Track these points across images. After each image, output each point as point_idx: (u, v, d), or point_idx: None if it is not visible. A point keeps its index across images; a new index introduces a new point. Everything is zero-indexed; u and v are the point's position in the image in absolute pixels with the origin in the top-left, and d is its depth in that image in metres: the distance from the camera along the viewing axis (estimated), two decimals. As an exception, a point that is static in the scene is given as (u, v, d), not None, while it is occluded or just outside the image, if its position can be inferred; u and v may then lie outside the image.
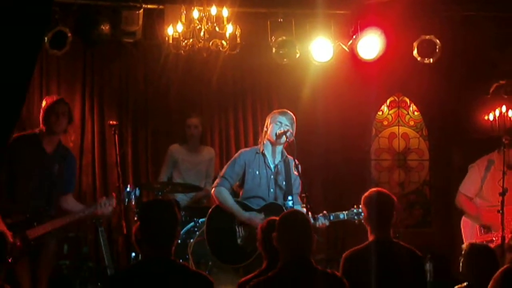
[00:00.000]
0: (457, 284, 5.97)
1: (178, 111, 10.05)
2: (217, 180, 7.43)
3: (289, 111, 7.48)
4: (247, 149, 7.67)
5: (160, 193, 8.64)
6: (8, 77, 4.36)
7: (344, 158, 10.37)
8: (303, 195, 7.14)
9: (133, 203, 7.41)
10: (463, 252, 5.86)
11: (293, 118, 7.41)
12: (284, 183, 7.37)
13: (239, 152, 7.59)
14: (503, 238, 7.91)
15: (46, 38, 8.76)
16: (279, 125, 7.32)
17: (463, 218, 8.68)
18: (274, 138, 7.34)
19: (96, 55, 9.85)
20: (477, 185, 8.55)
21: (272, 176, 7.37)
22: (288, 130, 7.30)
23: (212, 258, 7.41)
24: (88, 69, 9.85)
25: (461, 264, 5.85)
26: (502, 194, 8.00)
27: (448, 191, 9.03)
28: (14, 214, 7.08)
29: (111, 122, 7.52)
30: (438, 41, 9.59)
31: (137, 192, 7.44)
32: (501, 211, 7.97)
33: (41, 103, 8.40)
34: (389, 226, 5.89)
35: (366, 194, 6.02)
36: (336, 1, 9.56)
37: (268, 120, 7.44)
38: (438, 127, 10.67)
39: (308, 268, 4.97)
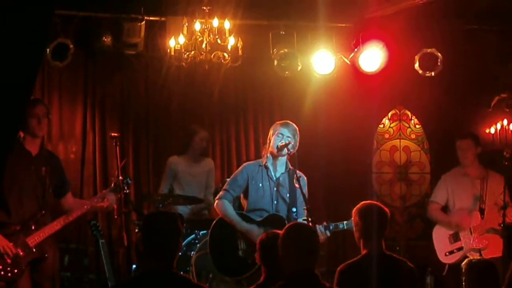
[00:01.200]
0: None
1: (180, 123, 10.05)
2: (220, 193, 7.50)
3: (291, 122, 7.51)
4: (251, 162, 7.74)
5: (161, 205, 8.64)
6: (10, 88, 4.37)
7: (345, 171, 10.35)
8: (305, 208, 7.15)
9: (126, 191, 7.39)
10: (463, 271, 5.85)
11: (296, 130, 7.44)
12: (288, 195, 7.41)
13: (243, 165, 7.66)
14: (505, 250, 7.94)
15: (48, 50, 8.78)
16: (280, 137, 7.35)
17: (434, 229, 8.82)
18: (276, 150, 7.36)
19: (98, 67, 9.84)
20: (445, 193, 8.74)
21: (275, 188, 7.39)
22: (289, 143, 7.34)
23: (214, 270, 7.42)
24: (89, 81, 9.83)
25: (463, 284, 5.84)
26: (504, 207, 8.05)
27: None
28: (10, 224, 7.05)
29: (112, 134, 7.51)
30: (439, 54, 9.61)
31: (129, 180, 7.43)
32: (502, 225, 8.01)
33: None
34: (379, 239, 5.87)
35: (358, 206, 6.00)
36: (338, 14, 9.57)
37: (270, 132, 7.46)
38: (440, 141, 10.65)
39: (315, 284, 4.94)
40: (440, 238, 8.79)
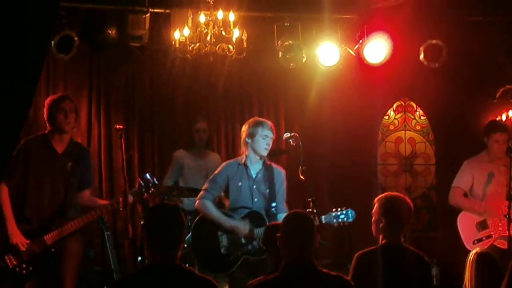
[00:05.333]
0: (462, 290, 5.98)
1: (185, 115, 10.05)
2: (201, 193, 7.52)
3: (265, 120, 7.58)
4: (231, 161, 7.71)
5: (166, 198, 8.64)
6: (15, 81, 4.37)
7: (350, 162, 10.36)
8: (310, 199, 7.18)
9: (151, 190, 7.42)
10: (470, 263, 5.88)
11: (272, 126, 7.51)
12: (267, 191, 7.45)
13: (222, 165, 7.66)
14: (510, 240, 7.91)
15: (52, 42, 8.78)
16: (266, 139, 7.40)
17: (459, 216, 8.71)
18: (264, 153, 7.42)
19: (103, 59, 9.85)
20: (470, 179, 8.64)
21: (254, 186, 7.44)
22: (293, 135, 7.47)
23: (198, 266, 7.45)
24: (94, 73, 9.85)
25: (466, 273, 5.87)
26: (509, 198, 8.01)
27: (455, 195, 9.01)
28: (31, 219, 7.06)
29: (117, 126, 7.51)
30: (444, 45, 9.59)
31: (156, 181, 7.44)
32: (507, 215, 7.98)
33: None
34: (401, 231, 5.87)
35: (382, 196, 5.96)
36: (343, 6, 9.56)
37: (250, 131, 7.44)
38: (445, 132, 10.65)
39: (310, 270, 4.96)
40: (466, 226, 8.61)
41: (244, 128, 7.50)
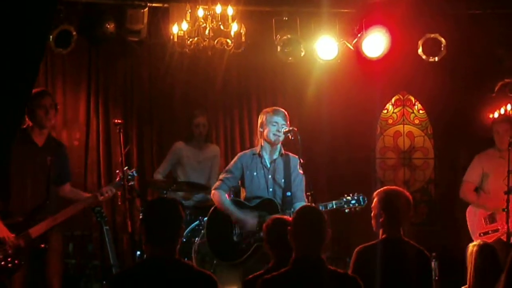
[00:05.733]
0: (462, 283, 5.99)
1: (183, 109, 10.04)
2: (216, 183, 7.64)
3: (280, 108, 7.59)
4: (246, 151, 7.80)
5: (165, 192, 8.64)
6: (13, 76, 4.37)
7: (348, 156, 10.37)
8: (308, 193, 7.19)
9: (130, 183, 7.41)
10: (472, 254, 5.90)
11: (286, 115, 7.51)
12: (283, 180, 7.48)
13: (238, 155, 7.76)
14: (508, 235, 7.92)
15: (51, 37, 8.77)
16: (276, 126, 7.41)
17: (468, 208, 8.74)
18: (273, 139, 7.43)
19: (101, 54, 9.84)
20: (479, 173, 8.65)
21: (269, 176, 7.49)
22: (292, 129, 7.39)
23: (211, 255, 7.51)
24: (93, 68, 9.84)
25: (468, 265, 5.89)
26: (508, 192, 8.02)
27: (453, 189, 9.03)
28: (14, 214, 7.05)
29: (116, 120, 7.52)
30: (443, 39, 9.59)
31: (134, 173, 7.45)
32: (506, 209, 7.99)
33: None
34: (400, 225, 5.87)
35: (382, 191, 5.96)
36: (341, 0, 9.56)
37: (261, 120, 7.52)
38: (443, 126, 10.65)
39: (318, 267, 4.95)
40: (474, 219, 8.69)
41: (258, 119, 7.59)
